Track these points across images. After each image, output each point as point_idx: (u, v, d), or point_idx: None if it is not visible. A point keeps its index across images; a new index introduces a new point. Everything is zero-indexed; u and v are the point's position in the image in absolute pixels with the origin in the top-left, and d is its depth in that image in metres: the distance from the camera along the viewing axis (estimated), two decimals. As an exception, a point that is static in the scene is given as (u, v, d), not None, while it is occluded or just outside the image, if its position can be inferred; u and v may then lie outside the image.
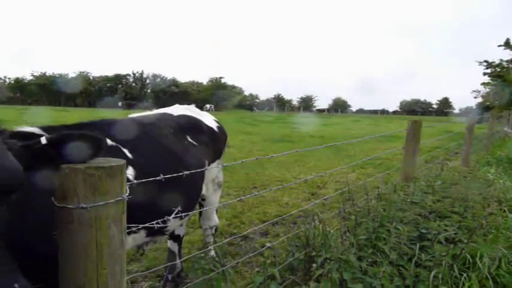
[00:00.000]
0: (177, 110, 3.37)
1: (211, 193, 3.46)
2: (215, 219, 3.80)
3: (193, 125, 3.23)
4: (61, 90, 70.67)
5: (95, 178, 1.28)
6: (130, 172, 2.17)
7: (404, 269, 2.75)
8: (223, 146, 3.61)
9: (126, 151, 2.32)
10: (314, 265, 2.83)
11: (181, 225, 3.32)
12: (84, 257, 1.30)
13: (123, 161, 1.38)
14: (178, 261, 3.51)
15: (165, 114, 3.22)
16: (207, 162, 3.16)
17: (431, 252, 2.89)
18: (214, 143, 3.35)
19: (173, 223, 2.59)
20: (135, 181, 1.82)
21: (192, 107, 3.61)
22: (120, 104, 55.39)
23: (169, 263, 3.42)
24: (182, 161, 2.75)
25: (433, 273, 2.66)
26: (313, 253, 3.00)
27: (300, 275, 3.07)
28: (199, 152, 3.06)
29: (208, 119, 3.49)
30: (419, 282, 2.69)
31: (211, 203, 3.50)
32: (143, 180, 1.90)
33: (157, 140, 2.73)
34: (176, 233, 3.47)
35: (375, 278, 2.64)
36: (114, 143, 2.32)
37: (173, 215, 2.14)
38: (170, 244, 3.59)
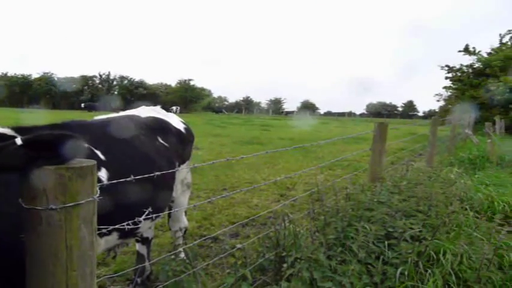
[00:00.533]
0: (143, 111, 3.35)
1: (180, 194, 3.46)
2: (184, 221, 3.79)
3: (162, 127, 3.22)
4: (24, 91, 68.35)
5: (65, 179, 1.25)
6: (103, 174, 2.14)
7: (372, 266, 2.83)
8: (191, 147, 3.62)
9: (98, 152, 2.29)
10: (285, 265, 2.86)
11: (150, 227, 3.29)
12: (53, 259, 1.27)
13: (93, 162, 1.36)
14: (147, 263, 3.47)
15: (132, 115, 3.20)
16: (177, 163, 3.15)
17: (398, 249, 2.98)
18: (182, 144, 3.34)
19: (143, 225, 2.57)
20: (105, 182, 1.78)
21: (158, 108, 3.60)
22: (83, 105, 54.02)
23: (138, 266, 3.39)
24: (155, 162, 2.74)
25: (399, 270, 2.74)
26: (284, 253, 3.04)
27: (270, 275, 3.10)
28: (170, 153, 3.05)
29: (175, 121, 3.48)
30: (386, 279, 2.77)
31: (180, 205, 3.49)
32: (114, 182, 1.88)
33: (129, 141, 2.71)
34: (145, 235, 3.44)
35: (344, 276, 2.69)
36: (86, 145, 2.29)
37: (144, 216, 2.12)
38: (139, 247, 3.55)
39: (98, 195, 1.36)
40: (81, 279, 1.32)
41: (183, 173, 3.41)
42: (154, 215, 2.42)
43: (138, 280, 3.40)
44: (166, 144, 3.06)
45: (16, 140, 1.24)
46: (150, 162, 2.69)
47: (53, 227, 1.25)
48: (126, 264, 3.90)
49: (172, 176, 3.01)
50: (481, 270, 2.69)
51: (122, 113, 3.34)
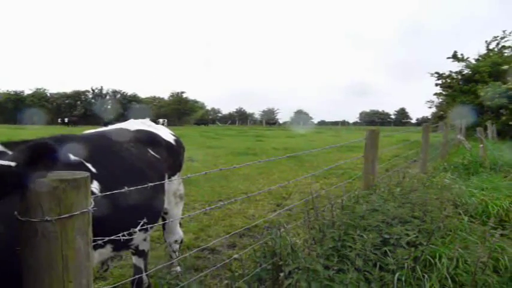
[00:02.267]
0: (132, 124, 3.37)
1: (173, 206, 3.46)
2: (179, 232, 3.78)
3: (151, 139, 3.23)
4: (16, 107, 68.05)
5: (59, 190, 1.26)
6: (95, 186, 2.14)
7: (369, 274, 2.83)
8: (181, 158, 3.62)
9: (89, 165, 2.29)
10: (282, 274, 2.85)
11: (145, 239, 3.28)
12: (49, 271, 1.27)
13: (87, 174, 1.37)
14: (144, 274, 3.44)
15: (122, 129, 3.22)
16: (166, 175, 3.15)
17: (395, 256, 2.99)
18: (173, 156, 3.35)
19: (137, 237, 2.56)
20: (99, 194, 1.78)
21: (147, 121, 3.61)
22: (66, 120, 53.96)
23: (135, 277, 3.36)
24: (145, 174, 2.75)
25: (396, 275, 2.75)
26: (281, 262, 3.03)
27: (268, 285, 3.08)
28: (161, 165, 3.06)
29: (165, 133, 3.50)
30: (384, 286, 2.77)
31: (174, 217, 3.49)
32: (107, 193, 1.88)
33: (120, 154, 2.72)
34: (141, 248, 3.41)
35: (342, 285, 2.69)
36: (77, 158, 2.29)
37: (139, 227, 2.11)
38: (135, 260, 3.52)
39: (92, 206, 1.37)
40: (77, 290, 1.32)
41: (175, 184, 3.41)
42: (147, 226, 2.41)
43: None
44: (157, 156, 3.06)
45: (9, 163, 1.24)
46: (140, 174, 2.70)
47: (49, 238, 1.25)
48: (124, 277, 3.86)
49: (162, 188, 3.01)
50: (476, 273, 2.70)
51: (110, 127, 3.36)
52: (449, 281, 2.71)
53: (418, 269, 2.84)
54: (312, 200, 3.78)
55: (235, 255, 4.07)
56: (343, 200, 4.07)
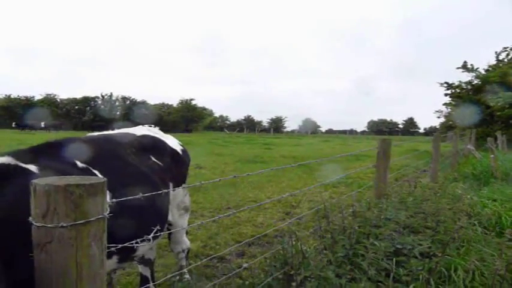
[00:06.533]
0: (140, 130, 3.32)
1: (178, 218, 3.36)
2: (186, 242, 3.70)
3: (156, 145, 3.15)
4: (27, 113, 68.69)
5: (76, 196, 1.24)
6: None
7: (383, 284, 2.77)
8: (187, 170, 3.53)
9: (96, 172, 2.27)
10: (293, 284, 2.81)
11: (151, 248, 3.24)
12: (63, 277, 1.25)
13: (104, 179, 1.35)
14: (151, 285, 3.41)
15: (127, 133, 3.16)
16: (171, 184, 3.07)
17: (408, 266, 2.93)
18: (178, 165, 3.26)
19: (142, 247, 2.51)
20: (114, 200, 1.76)
21: (156, 129, 3.52)
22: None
23: (143, 287, 3.33)
24: (150, 181, 2.69)
25: (411, 287, 2.69)
26: (292, 271, 2.99)
27: (279, 294, 3.04)
28: (163, 172, 2.99)
29: (173, 142, 3.43)
30: (397, 297, 2.72)
31: (179, 227, 3.41)
32: (123, 199, 1.86)
33: (125, 160, 2.66)
34: (146, 257, 3.37)
35: (354, 294, 2.64)
36: (84, 165, 2.26)
37: (152, 234, 2.09)
38: (141, 269, 3.48)
39: (108, 212, 1.35)
40: (91, 298, 1.30)
41: (179, 196, 3.32)
42: (151, 236, 2.35)
43: None
44: (160, 163, 2.98)
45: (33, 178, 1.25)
46: (145, 180, 2.64)
47: (63, 244, 1.23)
48: (131, 285, 3.84)
49: (166, 196, 2.94)
50: (494, 286, 2.63)
51: (116, 131, 3.31)
52: (466, 293, 2.65)
53: (432, 281, 2.78)
54: (324, 208, 3.73)
55: (245, 264, 4.03)
56: (354, 206, 4.02)
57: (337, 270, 2.95)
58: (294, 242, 3.27)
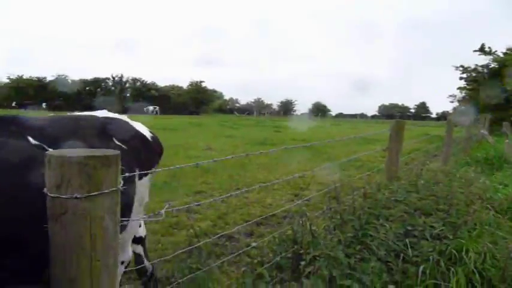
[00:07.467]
0: (104, 113, 3.06)
1: (134, 214, 2.76)
2: (128, 252, 3.04)
3: (120, 128, 2.88)
4: (38, 93, 69.19)
5: (90, 168, 1.24)
6: None
7: (392, 264, 2.77)
8: (155, 158, 3.18)
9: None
10: (303, 262, 2.83)
11: (139, 226, 3.21)
12: (78, 249, 1.26)
13: (118, 152, 1.35)
14: (145, 260, 3.39)
15: (91, 115, 2.93)
16: (137, 170, 2.70)
17: (418, 248, 2.92)
18: (145, 151, 2.96)
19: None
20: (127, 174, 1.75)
21: (125, 117, 3.15)
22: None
23: (138, 266, 3.31)
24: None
25: (420, 268, 2.68)
26: (301, 251, 3.00)
27: (288, 272, 3.06)
28: (127, 156, 2.54)
29: (141, 127, 3.13)
30: (407, 278, 2.72)
31: (130, 230, 2.85)
32: (137, 173, 1.85)
33: (85, 140, 2.47)
34: (137, 235, 3.34)
35: (363, 274, 2.65)
36: (37, 142, 2.13)
37: (165, 209, 2.07)
38: (134, 247, 3.44)
39: (121, 185, 1.34)
40: (104, 269, 1.31)
41: (142, 188, 2.86)
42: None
43: (144, 280, 3.38)
44: (124, 146, 2.67)
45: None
46: None
47: (78, 216, 1.24)
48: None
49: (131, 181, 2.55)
50: (506, 269, 2.62)
51: (78, 113, 3.05)
52: (477, 275, 2.64)
53: (442, 263, 2.77)
54: (335, 189, 3.73)
55: (254, 243, 4.06)
56: (365, 187, 4.00)
57: (346, 250, 2.95)
58: (304, 222, 3.28)
